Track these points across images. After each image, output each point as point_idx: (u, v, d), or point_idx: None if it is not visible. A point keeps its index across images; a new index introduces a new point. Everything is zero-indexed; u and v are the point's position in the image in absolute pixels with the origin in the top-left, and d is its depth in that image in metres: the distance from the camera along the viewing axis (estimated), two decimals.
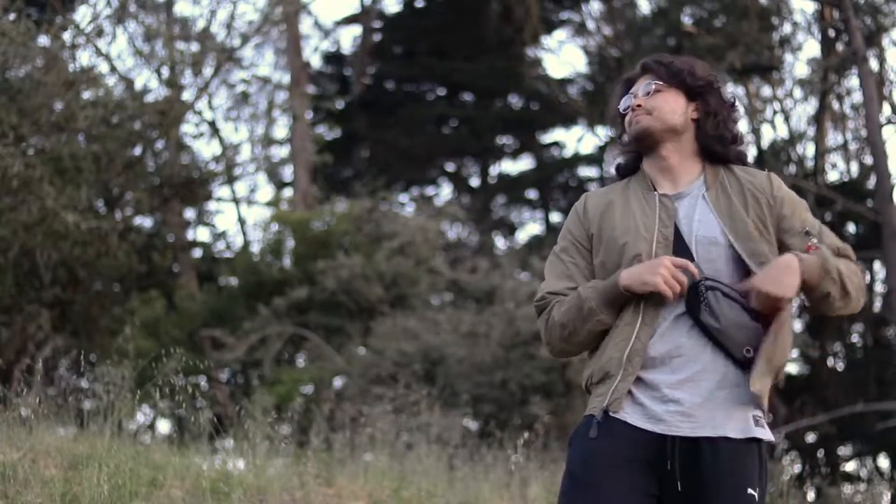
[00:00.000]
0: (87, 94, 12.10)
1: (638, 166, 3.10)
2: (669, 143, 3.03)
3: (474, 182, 24.20)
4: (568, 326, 2.96)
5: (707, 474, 2.81)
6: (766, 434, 2.90)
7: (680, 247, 2.92)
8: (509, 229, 24.27)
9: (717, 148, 3.04)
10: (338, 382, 14.51)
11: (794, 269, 2.81)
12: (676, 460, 2.82)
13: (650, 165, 3.06)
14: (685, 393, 2.85)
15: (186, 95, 14.77)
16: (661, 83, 3.05)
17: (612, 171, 3.18)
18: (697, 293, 2.85)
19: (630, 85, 3.13)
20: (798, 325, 17.57)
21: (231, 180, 17.71)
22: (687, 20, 17.79)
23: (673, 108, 3.02)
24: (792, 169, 18.05)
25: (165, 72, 14.71)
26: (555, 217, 23.60)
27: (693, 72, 3.06)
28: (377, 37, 23.88)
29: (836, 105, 19.14)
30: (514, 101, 23.74)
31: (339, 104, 23.60)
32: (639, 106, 3.03)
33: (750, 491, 2.84)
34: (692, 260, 2.89)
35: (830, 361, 18.68)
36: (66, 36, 12.70)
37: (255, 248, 17.70)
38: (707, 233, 2.93)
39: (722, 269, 2.90)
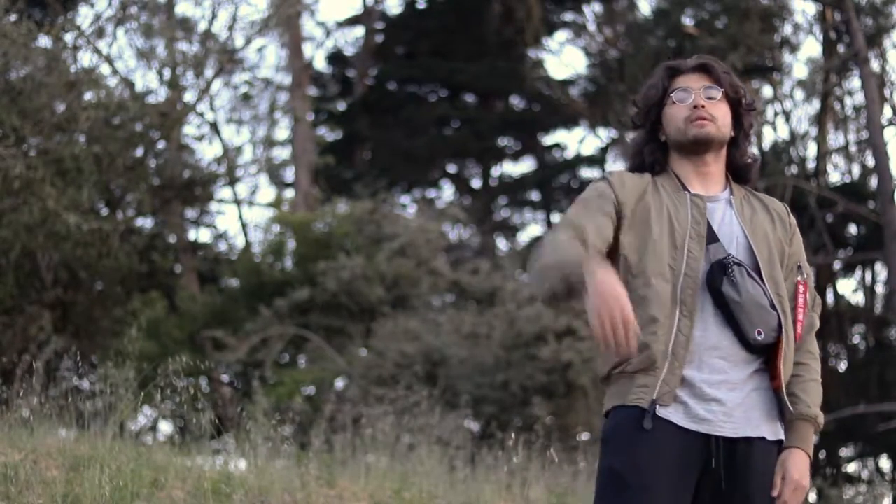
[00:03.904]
0: (88, 96, 12.11)
1: (665, 164, 3.09)
2: (715, 152, 3.06)
3: (476, 183, 24.20)
4: (547, 269, 2.83)
5: (741, 474, 2.86)
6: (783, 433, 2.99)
7: (713, 243, 2.94)
8: (511, 231, 24.27)
9: (747, 169, 3.11)
10: (339, 383, 14.51)
11: (806, 474, 2.94)
12: (721, 460, 2.85)
13: (685, 166, 3.06)
14: (725, 392, 2.88)
15: (188, 97, 14.79)
16: (722, 91, 3.06)
17: (638, 167, 3.10)
18: (724, 266, 2.88)
19: (674, 75, 3.10)
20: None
21: (232, 182, 17.72)
22: (688, 21, 17.80)
23: (728, 122, 3.06)
24: (793, 170, 18.04)
25: (167, 73, 14.72)
26: (556, 218, 23.58)
27: (745, 93, 3.10)
28: (379, 38, 23.88)
29: (837, 106, 19.15)
30: (516, 102, 23.73)
31: (341, 105, 23.60)
32: (703, 107, 3.02)
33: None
34: (726, 253, 2.92)
35: (832, 362, 18.68)
36: (68, 37, 12.71)
37: (257, 250, 17.71)
38: (735, 234, 2.98)
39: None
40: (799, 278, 3.00)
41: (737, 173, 3.10)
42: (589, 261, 2.72)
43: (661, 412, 2.84)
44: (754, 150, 3.19)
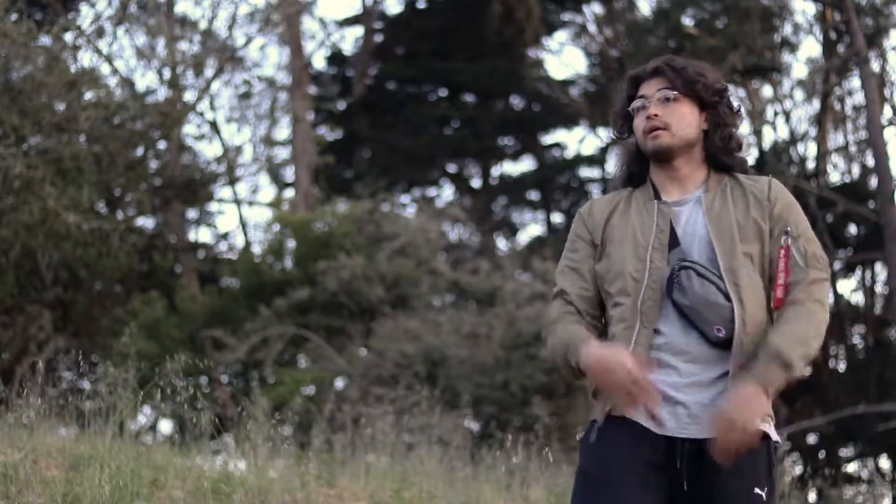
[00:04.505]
0: (88, 95, 12.11)
1: (647, 173, 3.10)
2: (683, 156, 3.04)
3: (475, 183, 24.20)
4: (554, 360, 3.01)
5: (714, 475, 2.83)
6: (772, 431, 2.92)
7: (674, 249, 2.94)
8: (511, 230, 24.27)
9: (724, 158, 3.06)
10: (339, 383, 14.52)
11: (748, 409, 2.77)
12: (685, 461, 2.85)
13: (659, 173, 3.06)
14: (692, 395, 2.87)
15: (188, 96, 14.79)
16: (676, 93, 3.02)
17: (620, 181, 3.15)
18: (672, 273, 2.89)
19: (637, 83, 3.09)
20: None
21: (232, 181, 17.73)
22: (688, 21, 17.79)
23: (689, 122, 3.02)
24: (793, 170, 18.04)
25: (167, 72, 14.72)
26: (556, 218, 23.61)
27: (707, 84, 3.03)
28: (379, 37, 23.87)
29: (837, 106, 19.14)
30: (516, 102, 23.74)
31: (341, 105, 23.60)
32: (656, 115, 3.00)
33: (757, 490, 2.86)
34: (686, 259, 2.90)
35: (832, 363, 18.68)
36: (68, 37, 12.71)
37: (257, 249, 17.72)
38: (698, 233, 2.96)
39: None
40: (782, 243, 2.93)
41: (716, 164, 3.07)
42: (577, 345, 2.88)
43: (629, 415, 2.87)
44: (736, 136, 3.07)
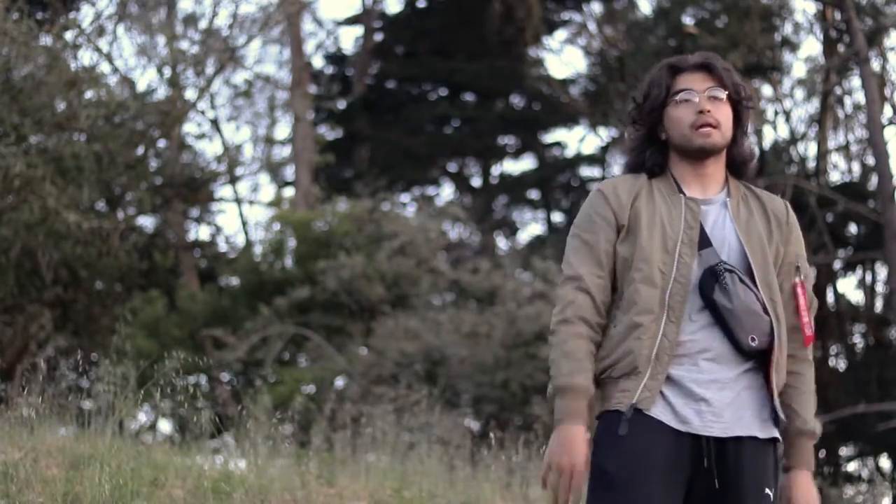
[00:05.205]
0: (89, 94, 12.11)
1: (666, 164, 3.06)
2: (716, 155, 3.02)
3: (476, 182, 24.20)
4: (549, 365, 2.95)
5: (731, 473, 2.84)
6: (777, 434, 2.95)
7: (705, 248, 2.92)
8: (511, 229, 24.27)
9: (749, 166, 3.08)
10: (339, 382, 14.52)
11: (813, 492, 3.00)
12: (713, 459, 2.84)
13: (683, 168, 3.03)
14: (714, 392, 2.86)
15: (189, 95, 14.79)
16: (727, 93, 3.01)
17: (637, 168, 3.08)
18: (715, 273, 2.87)
19: (677, 73, 3.05)
20: None
21: (233, 180, 17.73)
22: (688, 21, 17.80)
23: (730, 125, 3.01)
24: (793, 170, 18.04)
25: (168, 71, 14.72)
26: (556, 217, 23.61)
27: (747, 92, 3.05)
28: (379, 37, 23.88)
29: (837, 106, 19.14)
30: (516, 101, 23.74)
31: (341, 104, 23.60)
32: (709, 112, 2.97)
33: (766, 490, 2.87)
34: (718, 259, 2.89)
35: (832, 362, 18.68)
36: (68, 35, 12.71)
37: (257, 248, 17.72)
38: (727, 238, 2.95)
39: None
40: (796, 279, 2.96)
41: (735, 170, 3.07)
42: (570, 389, 2.83)
43: (652, 412, 2.84)
44: (753, 147, 3.12)
